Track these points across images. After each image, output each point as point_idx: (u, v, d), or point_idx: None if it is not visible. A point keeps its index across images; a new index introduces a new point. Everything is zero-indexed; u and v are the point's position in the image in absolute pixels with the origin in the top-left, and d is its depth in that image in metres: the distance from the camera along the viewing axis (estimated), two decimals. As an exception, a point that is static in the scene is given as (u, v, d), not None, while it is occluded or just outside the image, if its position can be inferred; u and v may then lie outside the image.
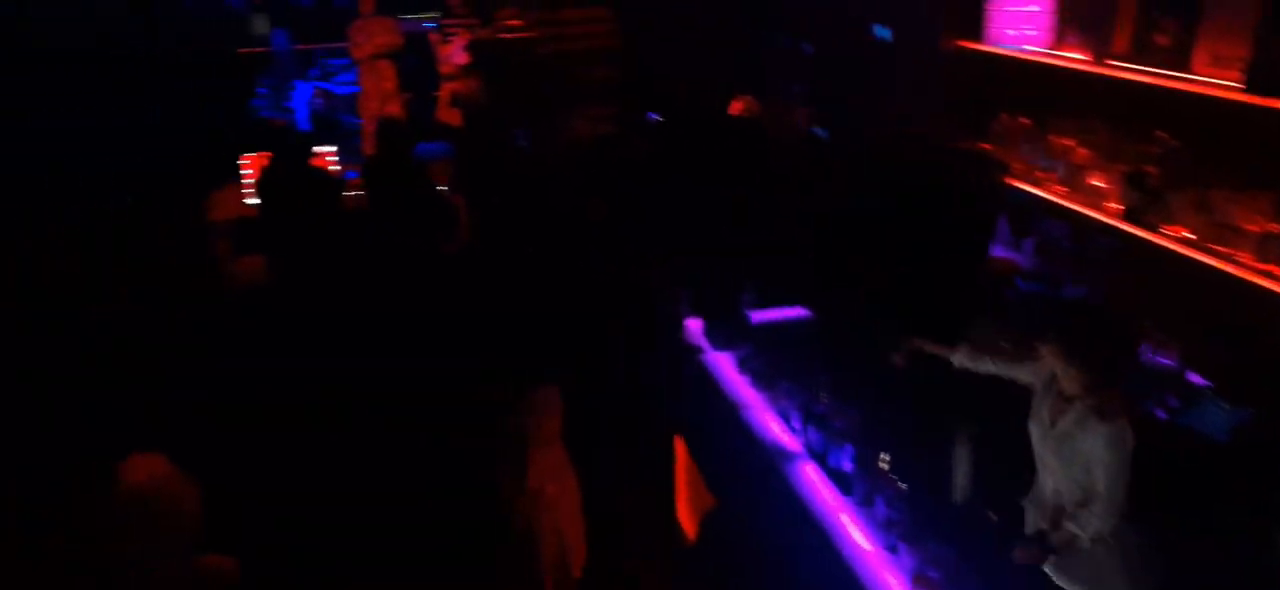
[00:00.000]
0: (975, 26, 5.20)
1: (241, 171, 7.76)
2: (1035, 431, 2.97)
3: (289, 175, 5.62)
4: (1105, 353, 2.72)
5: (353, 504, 4.12)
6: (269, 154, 6.45)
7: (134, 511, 2.24)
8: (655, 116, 7.47)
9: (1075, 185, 4.36)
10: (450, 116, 8.85)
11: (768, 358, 4.21)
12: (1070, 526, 2.79)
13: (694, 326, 4.50)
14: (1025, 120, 4.73)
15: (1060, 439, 2.83)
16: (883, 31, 6.03)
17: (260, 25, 11.21)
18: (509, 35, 10.57)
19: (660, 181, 5.90)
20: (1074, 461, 2.79)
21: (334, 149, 7.95)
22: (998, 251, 4.52)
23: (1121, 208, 4.02)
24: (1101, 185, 4.20)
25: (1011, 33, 4.91)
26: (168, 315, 5.35)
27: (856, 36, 6.30)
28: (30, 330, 5.02)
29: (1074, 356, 2.72)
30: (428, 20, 11.39)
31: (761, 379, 4.11)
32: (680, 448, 4.13)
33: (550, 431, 3.26)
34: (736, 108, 6.00)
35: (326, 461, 4.38)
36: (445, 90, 9.12)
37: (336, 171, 7.21)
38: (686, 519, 4.15)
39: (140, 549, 2.26)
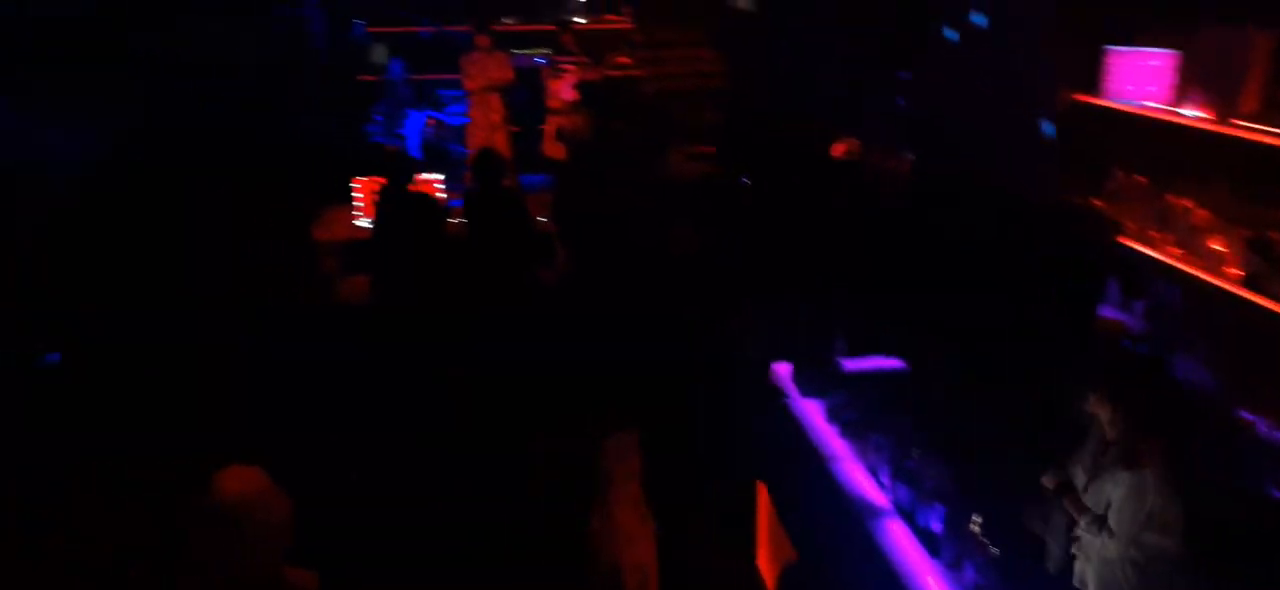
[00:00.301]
0: (1092, 80, 5.00)
1: (353, 193, 8.06)
2: (1077, 475, 3.03)
3: (396, 199, 5.78)
4: (1144, 400, 2.80)
5: (434, 531, 4.17)
6: (379, 178, 6.67)
7: (227, 520, 2.30)
8: (754, 158, 7.44)
9: (1192, 248, 4.14)
10: (554, 150, 9.01)
11: (859, 409, 4.10)
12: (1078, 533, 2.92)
13: (783, 371, 4.42)
14: (1141, 178, 4.52)
15: (1092, 475, 2.93)
16: (994, 79, 5.87)
17: (379, 55, 11.66)
18: (616, 73, 10.79)
19: (756, 222, 5.86)
20: (1098, 501, 2.87)
21: (441, 177, 8.17)
22: (1107, 312, 4.32)
23: (1242, 274, 3.79)
24: (1221, 249, 3.97)
25: (1131, 88, 4.71)
26: (273, 321, 5.55)
27: (965, 82, 6.16)
28: (140, 328, 5.26)
29: (1115, 399, 2.81)
30: (539, 56, 11.71)
31: (851, 430, 4.01)
32: (763, 494, 4.05)
33: (629, 470, 3.24)
34: (839, 150, 5.92)
35: (411, 482, 4.46)
36: (551, 124, 9.31)
37: (442, 198, 7.40)
38: (766, 569, 4.06)
39: (231, 557, 2.32)
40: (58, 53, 6.07)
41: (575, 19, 10.79)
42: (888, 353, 4.51)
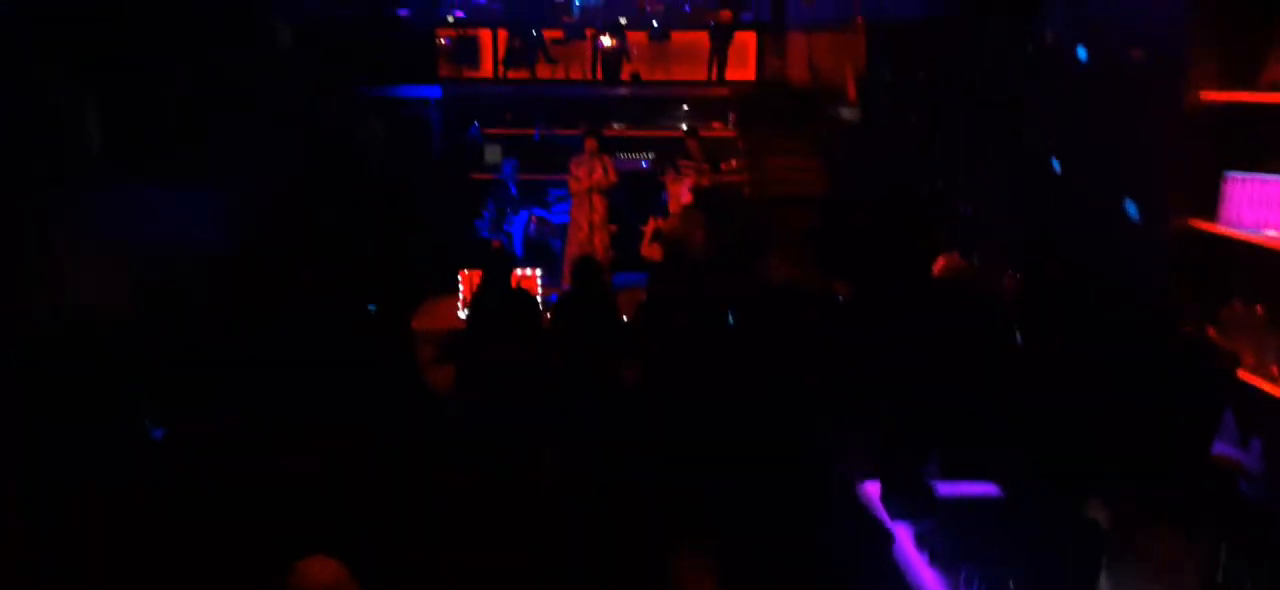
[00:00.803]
0: (1210, 206, 4.80)
1: (459, 285, 8.30)
2: None
3: (493, 292, 5.92)
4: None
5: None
6: (481, 271, 6.85)
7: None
8: (852, 267, 7.35)
9: (1319, 387, 3.87)
10: (651, 251, 9.11)
11: (951, 537, 3.91)
12: None
13: (871, 491, 4.26)
14: (1259, 310, 4.27)
15: None
16: (1108, 197, 5.69)
17: (492, 154, 12.14)
18: (724, 179, 10.96)
19: (851, 332, 5.74)
20: None
21: (540, 272, 8.35)
22: (1221, 449, 4.04)
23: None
24: (1351, 391, 3.70)
25: (1250, 215, 4.50)
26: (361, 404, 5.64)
27: (1077, 200, 5.99)
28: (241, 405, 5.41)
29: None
30: (644, 159, 11.99)
31: (941, 560, 3.81)
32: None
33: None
34: (940, 265, 5.78)
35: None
36: (650, 225, 9.43)
37: (539, 294, 7.54)
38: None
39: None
40: (180, 139, 6.40)
41: (697, 125, 11.12)
42: (985, 479, 4.31)
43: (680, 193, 9.61)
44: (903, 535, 3.99)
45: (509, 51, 12.94)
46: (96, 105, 5.63)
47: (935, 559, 3.80)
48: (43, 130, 5.26)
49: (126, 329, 5.44)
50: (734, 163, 11.51)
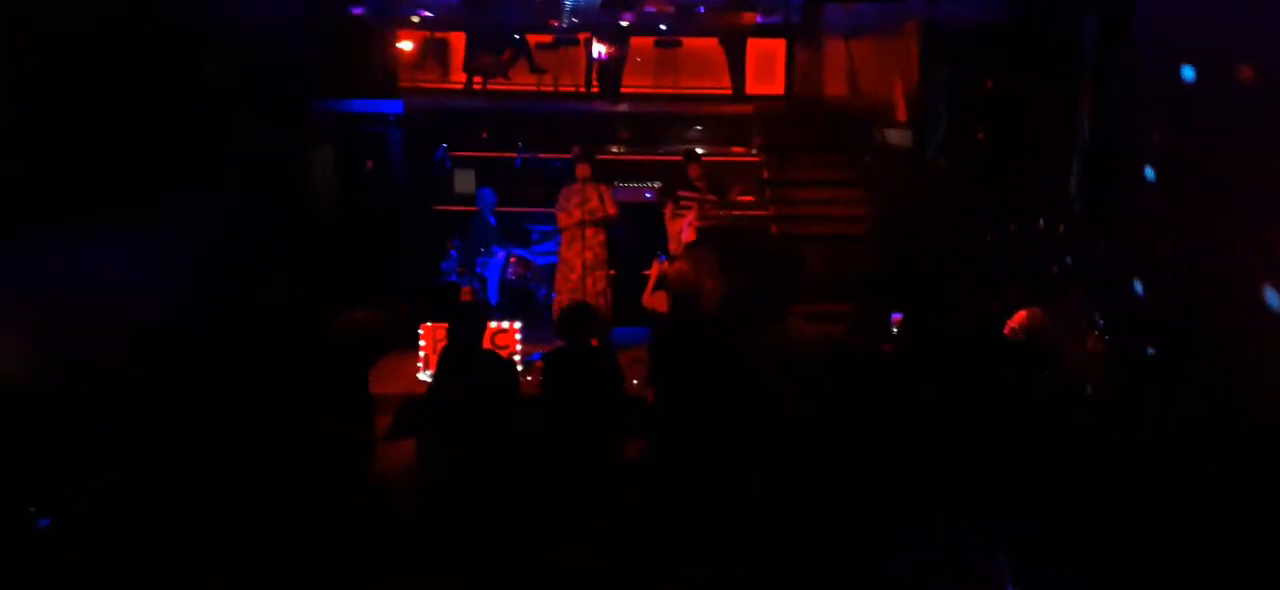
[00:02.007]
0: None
1: (419, 341, 8.20)
2: None
3: (459, 356, 5.84)
4: None
5: None
6: (445, 326, 6.75)
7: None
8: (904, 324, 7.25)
9: None
10: (655, 301, 9.00)
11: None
12: None
13: None
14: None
15: None
16: (1208, 243, 5.60)
17: (464, 182, 12.01)
18: (739, 213, 10.82)
19: (902, 404, 5.62)
20: None
21: (520, 325, 8.25)
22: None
23: None
24: None
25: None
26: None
27: (1172, 245, 5.89)
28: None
29: None
30: (648, 190, 11.88)
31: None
32: None
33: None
34: (1017, 320, 5.69)
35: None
36: (655, 268, 9.35)
37: (517, 354, 7.46)
38: None
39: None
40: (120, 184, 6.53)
41: (699, 150, 10.81)
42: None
43: (679, 230, 9.54)
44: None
45: (483, 58, 12.95)
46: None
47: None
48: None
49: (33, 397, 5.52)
50: (750, 194, 11.37)
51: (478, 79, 13.22)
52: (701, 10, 14.25)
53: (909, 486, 4.82)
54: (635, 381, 7.26)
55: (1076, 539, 4.20)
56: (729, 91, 13.15)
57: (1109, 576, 3.97)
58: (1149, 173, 6.11)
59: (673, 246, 9.60)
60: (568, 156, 10.28)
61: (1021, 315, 5.58)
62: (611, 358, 6.49)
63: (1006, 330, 5.68)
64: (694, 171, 10.19)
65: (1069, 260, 6.92)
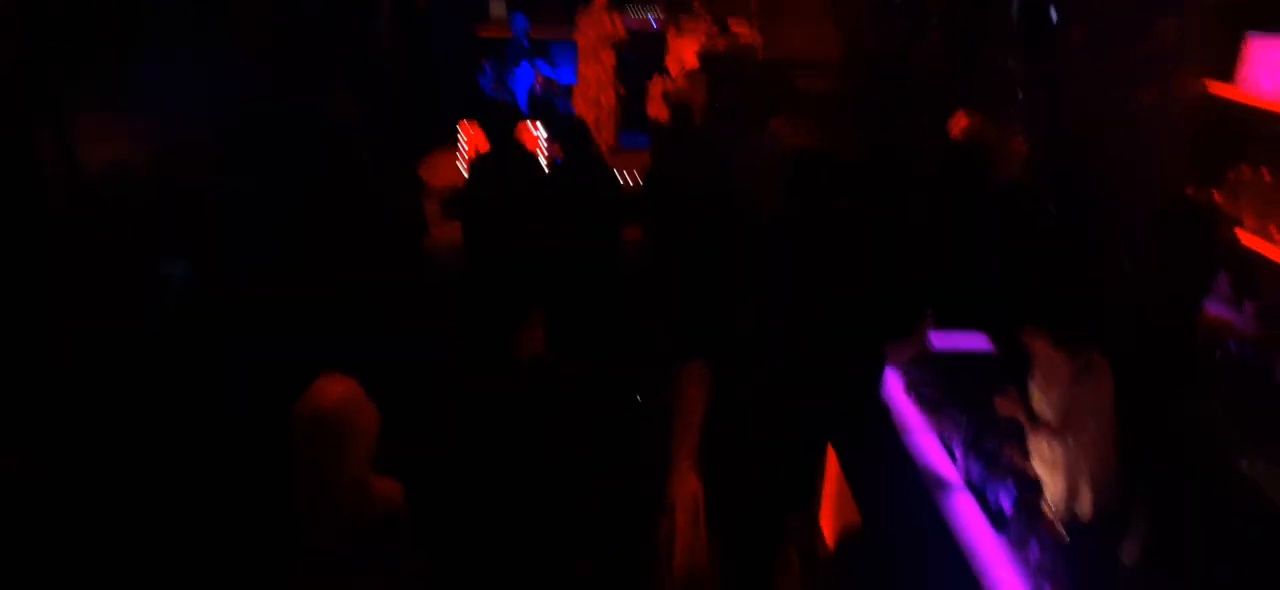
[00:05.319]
0: (1227, 68, 4.87)
1: (460, 138, 8.41)
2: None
3: (496, 148, 6.02)
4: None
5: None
6: (482, 122, 6.92)
7: (324, 425, 2.57)
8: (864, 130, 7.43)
9: (1318, 251, 4.03)
10: (658, 111, 9.16)
11: (939, 385, 4.14)
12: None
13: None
14: (1266, 173, 4.39)
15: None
16: (1121, 59, 5.72)
17: (498, 8, 12.01)
18: (734, 41, 10.83)
19: (859, 191, 5.84)
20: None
21: (546, 135, 8.43)
22: (1214, 310, 4.22)
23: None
24: (1349, 254, 3.86)
25: (1269, 80, 4.57)
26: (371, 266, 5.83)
27: (1089, 59, 6.02)
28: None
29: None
30: (654, 17, 11.83)
31: (929, 404, 4.06)
32: (831, 455, 4.13)
33: (695, 404, 3.38)
34: (959, 126, 5.85)
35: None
36: (656, 84, 9.47)
37: (542, 152, 7.65)
38: (827, 527, 4.15)
39: (325, 459, 2.59)
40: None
41: None
42: (977, 329, 4.52)
43: (681, 49, 9.57)
44: (893, 381, 4.23)
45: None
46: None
47: (923, 403, 4.05)
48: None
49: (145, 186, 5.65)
50: (743, 23, 11.33)
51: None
52: None
53: (871, 269, 5.06)
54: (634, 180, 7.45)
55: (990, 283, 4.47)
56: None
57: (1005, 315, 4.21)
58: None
59: (672, 66, 9.67)
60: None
61: (962, 119, 5.72)
62: (606, 165, 6.57)
63: (952, 133, 5.86)
64: (697, 3, 10.28)
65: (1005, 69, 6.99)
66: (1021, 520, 3.29)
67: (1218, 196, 4.51)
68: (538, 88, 11.01)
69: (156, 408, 4.39)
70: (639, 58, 10.47)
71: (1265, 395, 3.88)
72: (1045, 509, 3.40)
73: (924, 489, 3.63)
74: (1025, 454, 3.57)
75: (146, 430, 4.29)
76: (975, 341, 4.49)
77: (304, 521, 2.63)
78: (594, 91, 9.65)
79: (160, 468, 4.10)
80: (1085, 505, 3.46)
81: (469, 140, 8.22)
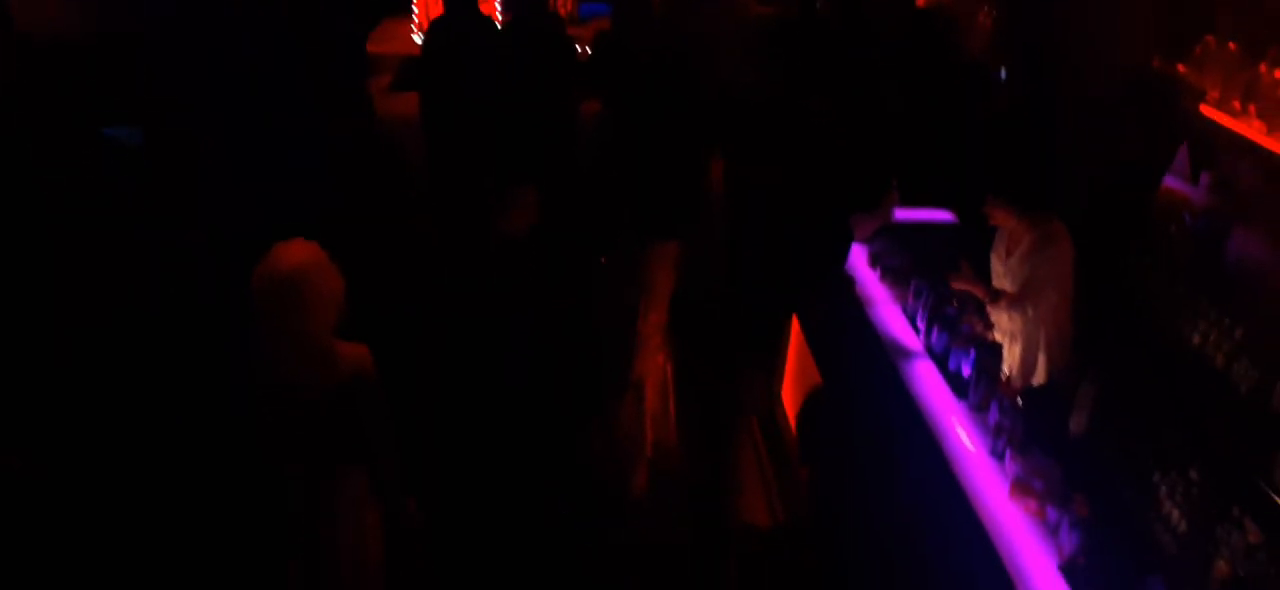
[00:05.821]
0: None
1: (412, 5, 8.10)
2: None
3: (453, 14, 5.78)
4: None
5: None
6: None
7: (287, 286, 2.50)
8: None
9: (1276, 125, 4.06)
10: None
11: (903, 256, 4.17)
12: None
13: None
14: (1233, 46, 4.40)
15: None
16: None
17: None
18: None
19: (824, 61, 5.75)
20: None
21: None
22: (1171, 182, 4.28)
23: (1325, 153, 3.73)
24: (1307, 127, 3.89)
25: (1236, -50, 4.54)
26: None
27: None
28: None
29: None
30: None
31: (892, 275, 4.08)
32: (795, 326, 4.16)
33: (663, 283, 3.37)
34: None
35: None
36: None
37: (499, 18, 7.41)
38: (788, 393, 4.21)
39: (291, 319, 2.52)
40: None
41: None
42: (939, 204, 4.53)
43: None
44: (857, 253, 4.24)
45: None
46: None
47: (887, 274, 4.08)
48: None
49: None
50: None
51: None
52: None
53: (843, 141, 5.01)
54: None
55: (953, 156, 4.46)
56: None
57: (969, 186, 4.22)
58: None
59: None
60: None
61: (925, -11, 5.64)
62: (562, 29, 6.36)
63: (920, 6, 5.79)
64: None
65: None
66: (981, 385, 3.35)
67: (1182, 69, 4.52)
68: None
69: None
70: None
71: (1216, 267, 3.96)
72: (1003, 374, 3.47)
73: (887, 356, 3.67)
74: (986, 323, 3.64)
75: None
76: (938, 214, 4.51)
77: (270, 390, 2.59)
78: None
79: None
80: (1042, 371, 3.55)
81: (424, 5, 7.92)
